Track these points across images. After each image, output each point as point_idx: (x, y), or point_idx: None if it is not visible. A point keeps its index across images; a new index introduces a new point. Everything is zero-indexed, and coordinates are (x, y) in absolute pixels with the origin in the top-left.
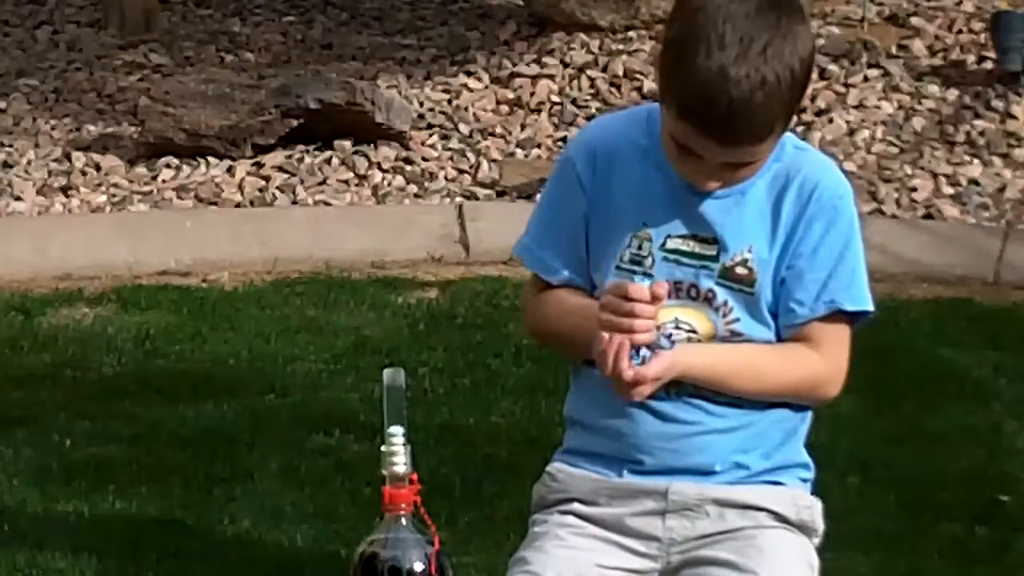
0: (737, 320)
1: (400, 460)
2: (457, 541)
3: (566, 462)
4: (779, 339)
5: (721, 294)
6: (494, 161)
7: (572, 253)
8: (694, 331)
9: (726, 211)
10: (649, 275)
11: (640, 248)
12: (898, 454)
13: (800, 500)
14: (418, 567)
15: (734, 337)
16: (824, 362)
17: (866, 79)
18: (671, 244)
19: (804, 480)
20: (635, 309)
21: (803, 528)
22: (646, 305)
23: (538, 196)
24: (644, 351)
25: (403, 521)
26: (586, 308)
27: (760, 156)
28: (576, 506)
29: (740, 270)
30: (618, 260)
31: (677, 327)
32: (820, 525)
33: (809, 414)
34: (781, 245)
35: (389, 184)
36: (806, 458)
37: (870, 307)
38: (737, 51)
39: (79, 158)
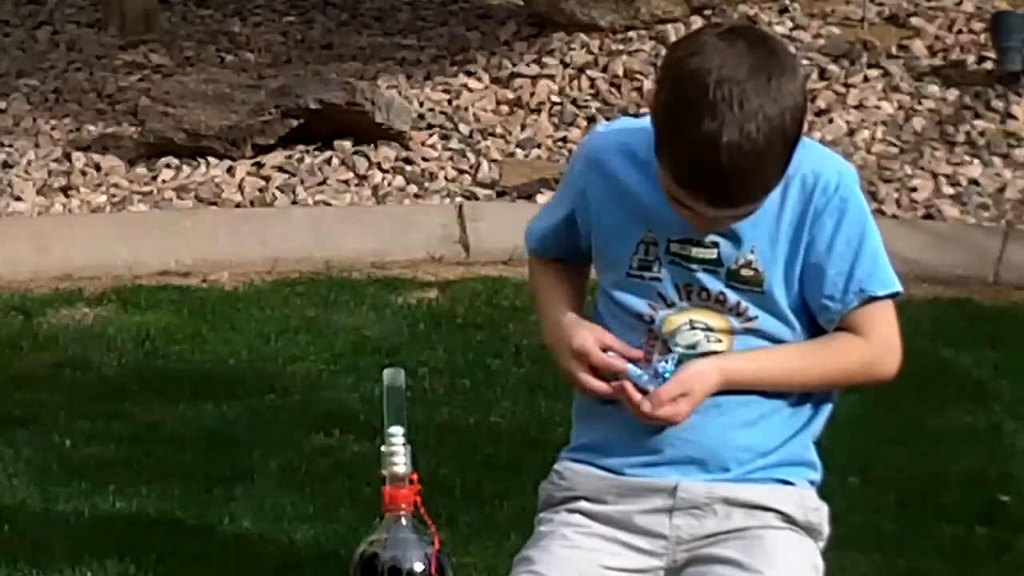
0: (755, 318)
1: (400, 460)
2: (457, 541)
3: (574, 460)
4: (810, 332)
5: (732, 296)
6: (494, 161)
7: (560, 239)
8: (710, 329)
9: None
10: (658, 279)
11: (647, 253)
12: (898, 454)
13: (808, 502)
14: (418, 567)
15: (753, 333)
16: (870, 345)
17: (866, 79)
18: (673, 248)
19: (811, 482)
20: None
21: (809, 530)
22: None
23: (539, 196)
24: (644, 377)
25: (403, 521)
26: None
27: (758, 208)
28: (583, 504)
29: (746, 271)
30: (627, 267)
31: (692, 328)
32: (826, 528)
33: (827, 408)
34: (788, 241)
35: (389, 184)
36: (815, 457)
37: (899, 287)
38: (728, 120)
39: (79, 158)
